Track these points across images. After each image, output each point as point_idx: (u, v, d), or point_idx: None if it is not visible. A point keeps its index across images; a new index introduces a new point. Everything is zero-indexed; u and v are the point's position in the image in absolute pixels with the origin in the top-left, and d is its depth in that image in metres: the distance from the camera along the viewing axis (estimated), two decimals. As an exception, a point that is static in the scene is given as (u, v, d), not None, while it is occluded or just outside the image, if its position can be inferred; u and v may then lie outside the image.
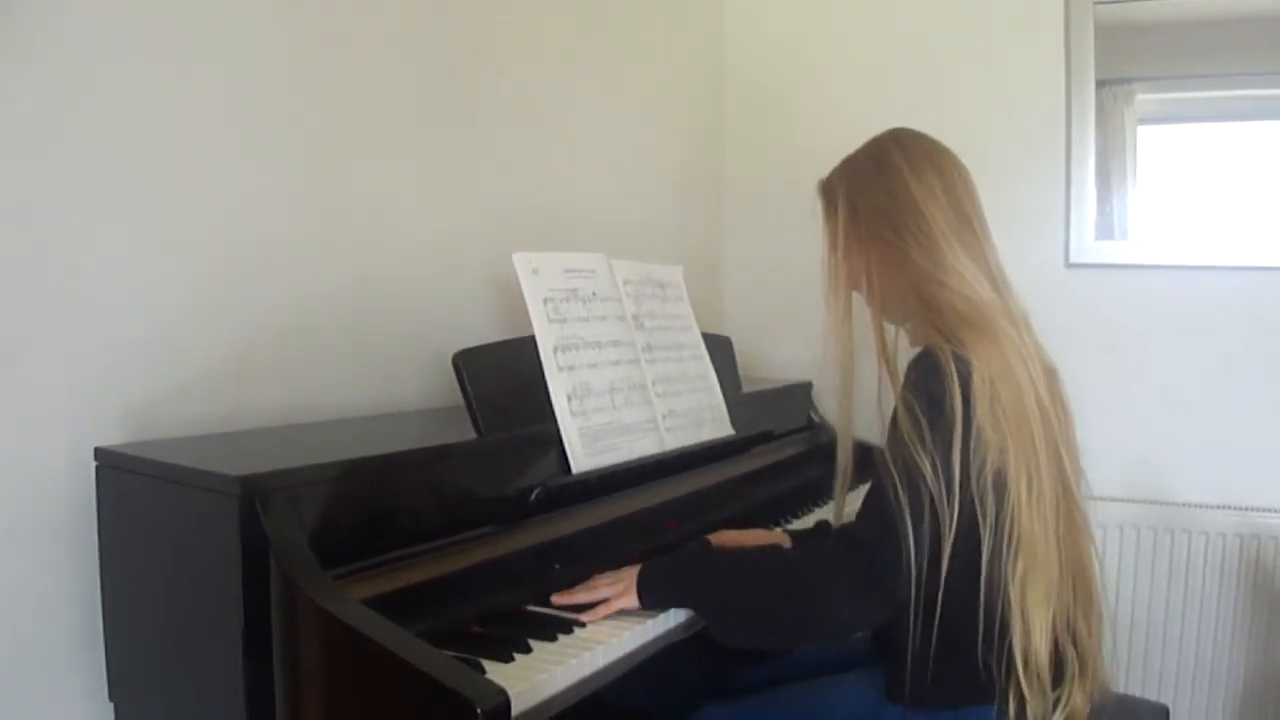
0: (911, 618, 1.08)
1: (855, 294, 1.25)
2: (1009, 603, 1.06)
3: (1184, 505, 2.12)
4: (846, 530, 1.16)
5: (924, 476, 1.04)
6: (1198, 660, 2.11)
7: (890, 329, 1.25)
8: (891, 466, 1.06)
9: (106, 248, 1.18)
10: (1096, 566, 1.20)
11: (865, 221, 1.21)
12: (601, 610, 1.17)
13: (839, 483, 1.31)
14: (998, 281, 1.18)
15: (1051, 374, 1.20)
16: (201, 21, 1.27)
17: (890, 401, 1.13)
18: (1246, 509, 2.07)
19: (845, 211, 1.22)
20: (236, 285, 1.34)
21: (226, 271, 1.32)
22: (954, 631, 1.09)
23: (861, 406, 1.27)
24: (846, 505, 1.32)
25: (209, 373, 1.30)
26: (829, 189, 1.28)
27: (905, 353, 1.19)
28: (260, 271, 1.37)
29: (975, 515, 1.06)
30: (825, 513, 1.75)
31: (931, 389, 1.06)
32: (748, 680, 1.43)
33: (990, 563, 1.07)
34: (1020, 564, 1.06)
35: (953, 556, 1.05)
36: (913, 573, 1.05)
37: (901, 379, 1.12)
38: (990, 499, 1.05)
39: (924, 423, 1.05)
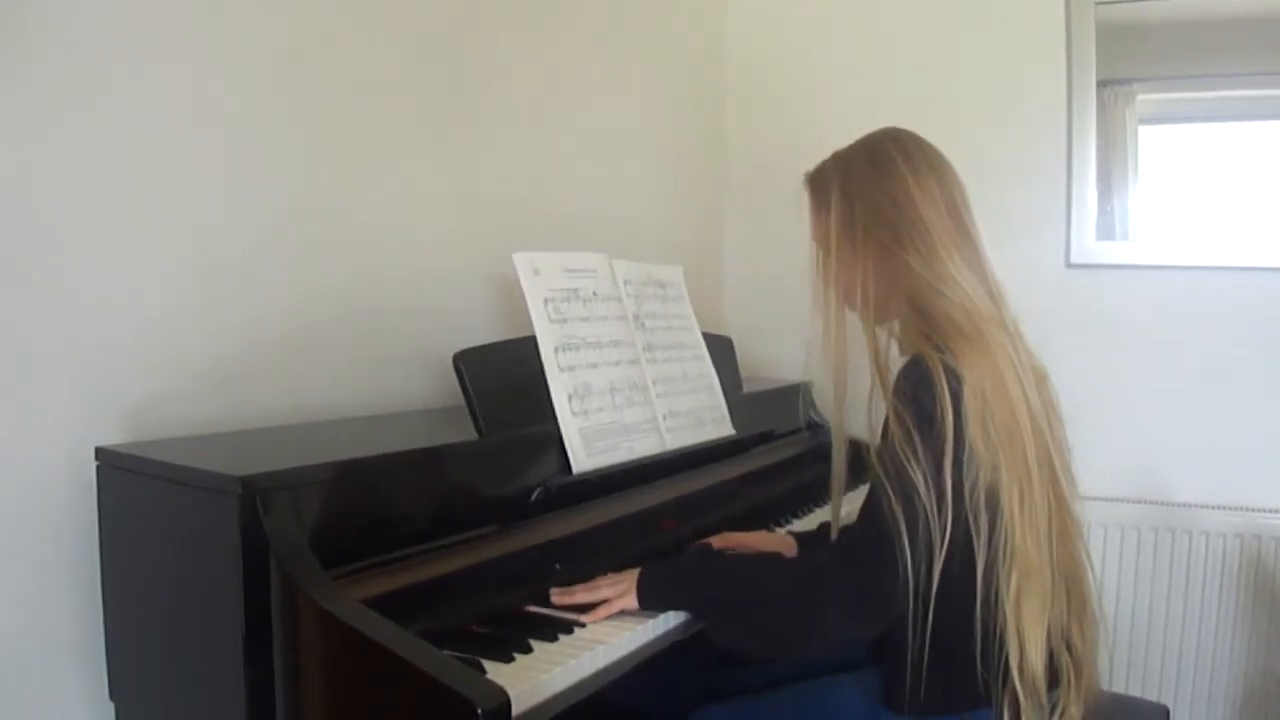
0: (910, 626, 1.08)
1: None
2: (1004, 616, 1.06)
3: (1184, 505, 2.12)
4: (843, 542, 1.15)
5: (916, 489, 1.03)
6: (1198, 660, 2.11)
7: (881, 337, 1.22)
8: (884, 478, 1.06)
9: (107, 248, 1.18)
10: (1090, 572, 1.19)
11: (862, 224, 1.17)
12: (602, 611, 1.17)
13: (835, 485, 1.30)
14: (994, 291, 1.16)
15: (1043, 379, 1.18)
16: (201, 21, 1.27)
17: (881, 407, 1.12)
18: (1246, 509, 2.07)
19: (840, 211, 1.19)
20: (237, 285, 1.34)
21: (227, 271, 1.33)
22: (951, 641, 1.09)
23: (853, 407, 1.25)
24: (845, 506, 1.31)
25: (209, 372, 1.31)
26: (819, 183, 1.23)
27: (894, 359, 1.18)
28: (261, 271, 1.37)
29: (969, 530, 1.05)
30: (825, 513, 1.75)
31: (922, 401, 1.05)
32: (748, 681, 1.43)
33: (985, 578, 1.06)
34: (1014, 579, 1.06)
35: (947, 569, 1.05)
36: (910, 583, 1.04)
37: (892, 387, 1.10)
38: (983, 515, 1.05)
39: (915, 435, 1.04)
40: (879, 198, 1.17)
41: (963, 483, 1.04)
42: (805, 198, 1.26)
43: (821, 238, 1.22)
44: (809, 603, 1.10)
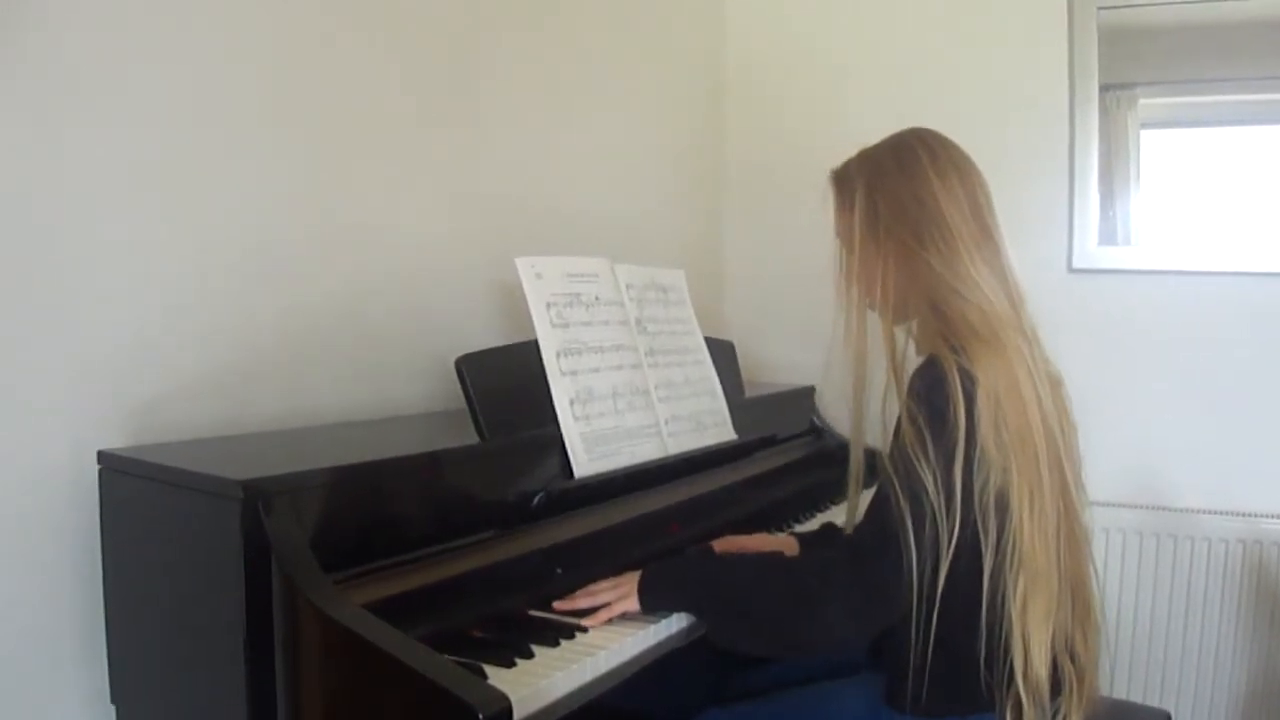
0: (913, 628, 1.08)
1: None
2: (1010, 620, 1.06)
3: (1186, 511, 2.12)
4: (849, 541, 1.15)
5: (925, 489, 1.03)
6: (1200, 666, 2.11)
7: (900, 338, 1.22)
8: (893, 476, 1.06)
9: (107, 251, 1.17)
10: (1095, 580, 1.19)
11: (885, 223, 1.17)
12: (603, 614, 1.16)
13: (851, 484, 1.30)
14: (1014, 294, 1.16)
15: (1057, 385, 1.18)
16: (201, 21, 1.27)
17: (893, 408, 1.12)
18: (1249, 514, 2.07)
19: (864, 208, 1.19)
20: (239, 288, 1.33)
21: (229, 275, 1.32)
22: (956, 643, 1.09)
23: (866, 410, 1.25)
24: (860, 506, 1.31)
25: (211, 376, 1.30)
26: (845, 180, 1.23)
27: (911, 360, 1.18)
28: (263, 275, 1.37)
29: (977, 533, 1.05)
30: (828, 517, 1.75)
31: (935, 401, 1.05)
32: (749, 684, 1.43)
33: (992, 581, 1.06)
34: (1021, 583, 1.05)
35: (954, 571, 1.04)
36: (914, 583, 1.04)
37: (906, 386, 1.11)
38: (992, 519, 1.04)
39: (926, 435, 1.04)
40: (904, 196, 1.16)
41: (972, 484, 1.04)
42: (829, 195, 1.26)
43: (845, 235, 1.22)
44: (810, 601, 1.10)
